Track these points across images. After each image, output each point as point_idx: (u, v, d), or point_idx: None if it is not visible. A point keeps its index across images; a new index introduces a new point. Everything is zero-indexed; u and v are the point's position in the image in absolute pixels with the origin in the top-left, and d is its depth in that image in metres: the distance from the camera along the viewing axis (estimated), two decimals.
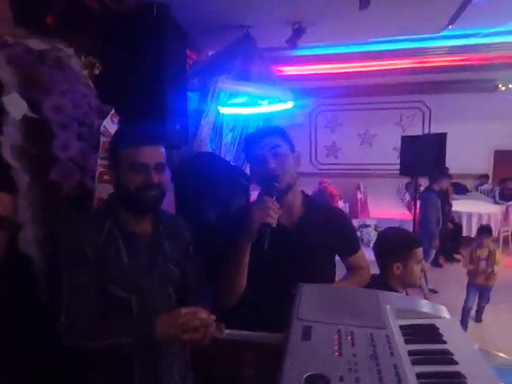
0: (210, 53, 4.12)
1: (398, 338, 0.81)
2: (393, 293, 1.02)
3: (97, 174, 1.52)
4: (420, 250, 1.65)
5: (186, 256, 1.39)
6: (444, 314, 0.98)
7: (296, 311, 0.87)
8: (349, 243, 1.53)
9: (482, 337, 3.50)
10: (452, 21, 3.71)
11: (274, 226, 1.19)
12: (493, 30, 4.39)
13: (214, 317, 1.10)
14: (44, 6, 1.67)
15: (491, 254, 3.65)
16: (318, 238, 1.38)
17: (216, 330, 1.09)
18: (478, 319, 3.88)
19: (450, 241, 5.82)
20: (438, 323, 0.91)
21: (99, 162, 1.52)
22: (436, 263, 5.51)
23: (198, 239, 1.50)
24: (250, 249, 1.27)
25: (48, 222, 1.39)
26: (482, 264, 3.64)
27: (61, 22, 1.77)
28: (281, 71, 5.88)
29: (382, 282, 1.64)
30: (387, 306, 0.92)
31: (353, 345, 0.76)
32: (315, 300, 0.93)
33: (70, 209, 1.45)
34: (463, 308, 3.72)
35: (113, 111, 1.71)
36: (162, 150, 1.26)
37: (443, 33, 4.25)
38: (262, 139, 1.38)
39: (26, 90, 1.46)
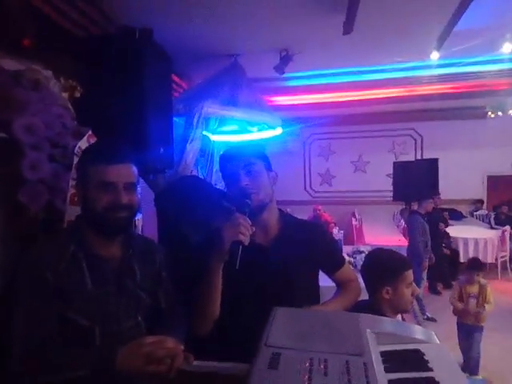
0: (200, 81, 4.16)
1: (378, 365, 0.72)
2: (376, 316, 0.93)
3: (68, 195, 1.45)
4: (410, 273, 1.56)
5: (157, 282, 1.30)
6: (432, 339, 0.90)
7: (265, 337, 0.78)
8: (332, 258, 1.46)
9: (484, 365, 3.33)
10: (437, 48, 3.78)
11: (246, 243, 1.12)
12: (480, 59, 4.48)
13: (181, 346, 1.01)
14: (19, 28, 1.65)
15: (482, 291, 3.30)
16: (297, 254, 1.30)
17: (183, 361, 0.99)
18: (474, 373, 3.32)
19: (448, 267, 5.70)
20: (424, 348, 0.82)
21: (71, 183, 1.46)
22: (434, 290, 5.37)
23: (178, 264, 1.43)
24: (225, 271, 1.19)
25: (12, 246, 1.31)
26: (472, 302, 3.30)
27: (39, 44, 1.75)
28: (272, 101, 5.96)
29: (371, 308, 1.54)
30: (367, 331, 0.83)
31: (325, 374, 0.67)
32: (289, 325, 0.84)
33: (37, 232, 1.37)
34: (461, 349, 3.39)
35: (90, 132, 1.67)
36: (134, 168, 1.19)
37: (431, 61, 4.33)
38: (236, 157, 1.34)
39: None
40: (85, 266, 1.13)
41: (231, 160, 1.34)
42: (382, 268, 1.61)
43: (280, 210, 1.46)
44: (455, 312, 3.45)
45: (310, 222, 1.52)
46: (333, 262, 1.45)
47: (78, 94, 2.05)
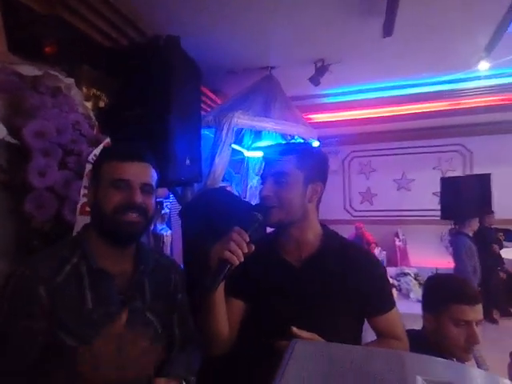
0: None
1: None
2: (430, 357, 0.70)
3: (79, 205, 1.35)
4: (461, 309, 1.25)
5: (171, 304, 1.14)
6: None
7: (277, 381, 0.59)
8: (375, 296, 1.13)
9: None
10: (485, 55, 3.48)
11: (236, 263, 0.95)
12: None
13: None
14: (41, 35, 1.62)
15: None
16: (334, 281, 1.08)
17: None
18: None
19: (505, 293, 5.16)
20: None
21: (83, 192, 1.36)
22: (490, 319, 4.84)
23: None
24: (245, 293, 1.02)
25: (15, 259, 1.21)
26: None
27: (63, 53, 1.71)
28: (310, 118, 5.82)
29: (421, 340, 1.30)
30: (418, 378, 0.62)
31: None
32: (310, 364, 0.65)
33: (43, 243, 1.26)
34: None
35: (107, 140, 1.58)
36: (152, 170, 1.07)
37: (479, 72, 4.02)
38: (271, 158, 1.14)
39: (10, 116, 1.36)
40: (86, 281, 1.00)
41: (267, 160, 1.16)
42: (427, 292, 1.40)
43: (324, 226, 1.21)
44: None
45: (359, 247, 1.27)
46: (374, 302, 1.13)
47: (102, 104, 2.00)
